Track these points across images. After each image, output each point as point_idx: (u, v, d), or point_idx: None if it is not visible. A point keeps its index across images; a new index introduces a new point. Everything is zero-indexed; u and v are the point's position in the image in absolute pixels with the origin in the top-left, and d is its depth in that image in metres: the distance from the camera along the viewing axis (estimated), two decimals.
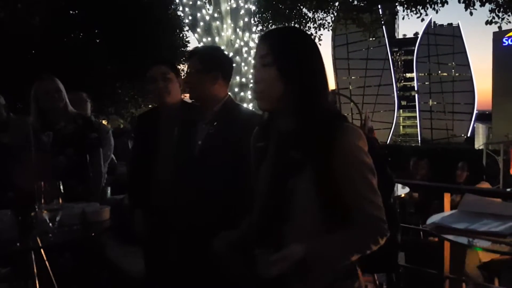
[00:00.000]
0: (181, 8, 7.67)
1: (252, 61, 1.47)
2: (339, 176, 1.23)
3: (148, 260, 2.65)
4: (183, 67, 12.45)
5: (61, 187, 1.99)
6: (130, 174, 2.86)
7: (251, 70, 6.06)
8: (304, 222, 1.27)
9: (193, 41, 16.49)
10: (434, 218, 2.13)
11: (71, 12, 12.72)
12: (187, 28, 12.03)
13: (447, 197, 3.25)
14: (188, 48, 13.86)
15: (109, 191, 4.52)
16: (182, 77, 2.68)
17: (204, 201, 2.11)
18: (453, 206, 3.26)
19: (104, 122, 16.87)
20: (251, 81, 5.96)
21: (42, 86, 2.98)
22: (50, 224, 1.94)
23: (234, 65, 2.46)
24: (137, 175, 2.68)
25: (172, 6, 12.20)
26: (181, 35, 13.93)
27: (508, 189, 6.33)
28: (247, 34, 7.29)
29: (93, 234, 2.13)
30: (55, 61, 10.37)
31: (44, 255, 2.31)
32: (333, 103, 1.36)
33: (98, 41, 12.96)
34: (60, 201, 1.96)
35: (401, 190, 4.01)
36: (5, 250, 2.01)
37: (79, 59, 11.13)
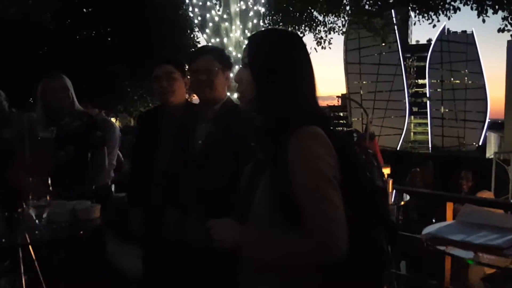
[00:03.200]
0: (191, 9, 7.66)
1: None
2: (293, 181, 1.18)
3: (146, 260, 2.63)
4: None
5: (50, 183, 1.97)
6: (130, 172, 2.86)
7: None
8: (260, 223, 1.25)
9: (203, 42, 16.51)
10: (430, 228, 2.06)
11: (84, 10, 12.81)
12: (197, 28, 12.06)
13: (449, 207, 3.17)
14: None
15: (113, 189, 4.52)
16: (189, 76, 2.66)
17: (204, 199, 2.09)
18: (455, 214, 3.19)
19: (113, 119, 17.02)
20: None
21: (50, 84, 3.00)
22: (37, 221, 1.92)
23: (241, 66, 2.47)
24: (137, 174, 2.66)
25: (184, 7, 12.24)
26: (191, 35, 13.98)
27: None
28: None
29: (81, 232, 2.10)
30: (66, 58, 10.45)
31: (32, 252, 2.29)
32: (312, 105, 1.32)
33: (109, 39, 13.04)
34: (48, 198, 1.94)
35: (407, 197, 3.94)
36: None
37: (90, 57, 11.21)
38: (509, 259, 1.76)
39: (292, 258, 1.17)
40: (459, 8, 9.52)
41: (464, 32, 61.84)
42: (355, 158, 1.26)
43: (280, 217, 1.20)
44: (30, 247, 2.23)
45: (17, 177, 2.10)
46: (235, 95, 2.41)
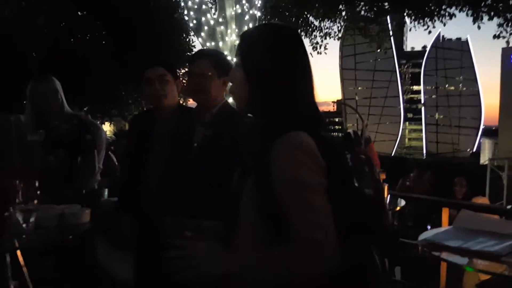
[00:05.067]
0: (186, 12, 7.64)
1: None
2: (276, 190, 1.13)
3: (137, 267, 2.57)
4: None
5: (37, 186, 1.92)
6: (121, 177, 2.82)
7: None
8: (246, 230, 1.21)
9: (198, 46, 16.51)
10: (427, 234, 2.03)
11: (79, 13, 12.76)
12: (192, 32, 12.04)
13: (445, 212, 3.15)
14: (193, 53, 13.85)
15: (106, 193, 4.48)
16: (181, 80, 2.65)
17: (197, 203, 2.05)
18: (450, 220, 3.17)
19: (107, 123, 16.96)
20: None
21: (38, 86, 2.96)
22: (24, 226, 1.87)
23: None
24: (128, 178, 2.62)
25: (179, 10, 12.21)
26: (187, 39, 13.95)
27: (509, 206, 6.19)
28: None
29: (70, 237, 2.05)
30: (60, 61, 10.39)
31: (20, 257, 2.24)
32: (304, 109, 1.27)
33: (103, 43, 12.99)
34: (36, 202, 1.89)
35: (402, 203, 3.92)
36: None
37: (84, 60, 11.15)
38: (504, 266, 1.73)
39: (284, 274, 1.11)
40: (454, 15, 9.55)
41: (458, 39, 62.16)
42: (344, 167, 1.21)
43: (264, 226, 1.16)
44: (18, 252, 2.17)
45: (4, 180, 2.05)
46: (231, 99, 2.39)
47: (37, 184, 1.92)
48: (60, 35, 11.49)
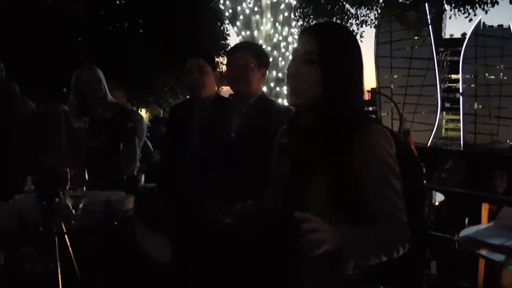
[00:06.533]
0: (222, 1, 7.66)
1: (290, 56, 1.50)
2: (359, 176, 1.20)
3: (175, 250, 2.66)
4: (222, 60, 12.52)
5: (86, 174, 2.01)
6: (160, 163, 2.90)
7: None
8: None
9: (233, 34, 16.57)
10: (468, 231, 2.00)
11: (117, 1, 13.01)
12: (227, 21, 12.05)
13: (485, 208, 3.07)
14: (228, 41, 13.95)
15: (143, 179, 4.60)
16: (219, 70, 2.69)
17: (234, 192, 2.09)
18: (490, 215, 3.10)
19: (143, 110, 17.30)
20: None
21: (83, 76, 3.08)
22: (73, 211, 1.96)
23: (271, 59, 2.50)
24: (166, 165, 2.70)
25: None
26: (222, 28, 14.01)
27: None
28: (286, 28, 7.20)
29: (115, 223, 2.14)
30: (99, 49, 10.65)
31: (67, 241, 2.35)
32: (365, 103, 1.41)
33: (141, 31, 13.20)
34: (84, 189, 1.98)
35: (439, 197, 3.84)
36: (30, 232, 2.05)
37: (122, 48, 11.39)
38: None
39: (381, 248, 1.18)
40: (497, 2, 9.18)
41: (500, 26, 59.58)
42: (411, 158, 1.32)
43: (343, 217, 1.20)
44: (65, 236, 2.28)
45: (52, 165, 2.16)
46: (264, 88, 2.45)
47: (86, 172, 2.00)
48: (100, 24, 11.76)
